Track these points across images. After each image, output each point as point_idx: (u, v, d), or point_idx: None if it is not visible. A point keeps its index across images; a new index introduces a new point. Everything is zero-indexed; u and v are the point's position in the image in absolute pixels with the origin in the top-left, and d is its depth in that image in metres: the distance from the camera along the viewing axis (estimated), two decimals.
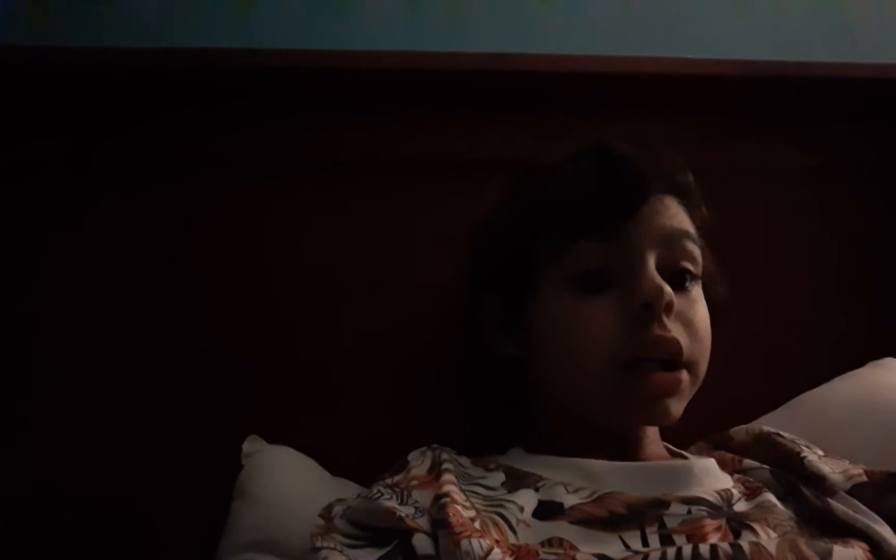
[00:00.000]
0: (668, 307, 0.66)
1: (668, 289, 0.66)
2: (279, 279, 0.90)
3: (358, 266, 0.91)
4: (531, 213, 0.74)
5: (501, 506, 0.65)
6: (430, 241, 0.91)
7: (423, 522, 0.62)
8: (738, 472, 0.72)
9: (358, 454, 0.84)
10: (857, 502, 0.66)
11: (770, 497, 0.67)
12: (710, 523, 0.62)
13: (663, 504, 0.63)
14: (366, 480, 0.74)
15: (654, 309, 0.66)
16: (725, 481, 0.69)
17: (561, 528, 0.62)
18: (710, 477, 0.68)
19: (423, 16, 1.02)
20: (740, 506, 0.66)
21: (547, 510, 0.64)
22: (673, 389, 0.67)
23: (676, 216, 0.72)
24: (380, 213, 0.92)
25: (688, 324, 0.69)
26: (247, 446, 0.84)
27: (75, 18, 0.96)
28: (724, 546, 0.57)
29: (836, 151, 1.00)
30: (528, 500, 0.65)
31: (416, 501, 0.64)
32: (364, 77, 0.90)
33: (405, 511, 0.63)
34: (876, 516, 0.65)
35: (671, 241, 0.70)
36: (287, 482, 0.80)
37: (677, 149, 0.76)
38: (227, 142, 0.91)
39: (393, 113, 0.92)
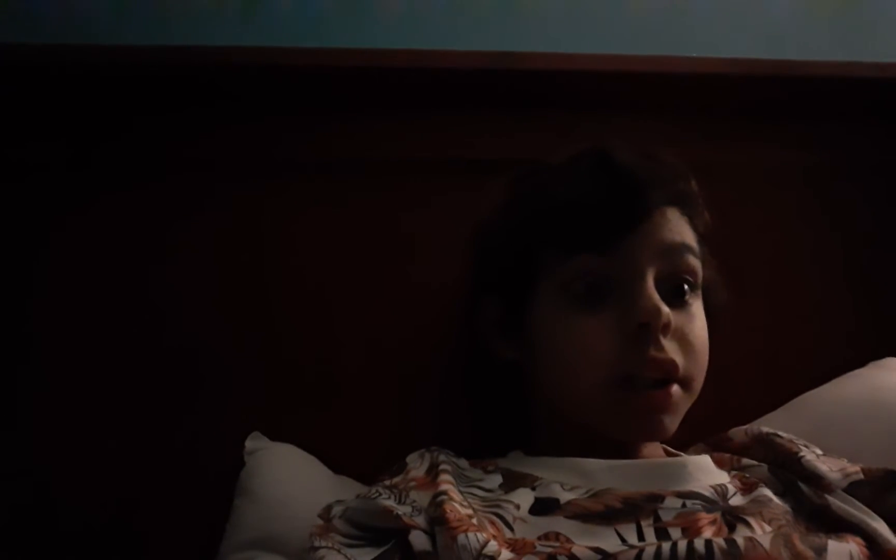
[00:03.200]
0: (665, 327, 0.67)
1: (665, 309, 0.66)
2: (278, 278, 0.90)
3: (358, 265, 0.91)
4: (531, 220, 0.74)
5: (498, 506, 0.65)
6: (430, 240, 0.91)
7: (420, 520, 0.62)
8: (735, 470, 0.73)
9: (358, 454, 0.84)
10: (854, 500, 0.66)
11: (766, 491, 0.67)
12: (704, 516, 0.62)
13: (658, 498, 0.64)
14: (367, 479, 0.75)
15: (650, 329, 0.66)
16: (721, 477, 0.69)
17: (557, 523, 0.62)
18: (705, 473, 0.69)
19: (423, 14, 1.02)
20: (736, 500, 0.66)
21: (543, 506, 0.64)
22: (665, 405, 0.67)
23: (678, 229, 0.71)
24: (379, 213, 0.92)
25: (684, 341, 0.69)
26: (249, 443, 0.84)
27: (75, 15, 0.97)
28: (720, 541, 0.57)
29: (836, 151, 1.00)
30: (524, 498, 0.65)
31: (414, 501, 0.64)
32: (363, 76, 0.90)
33: (402, 509, 0.63)
34: (873, 513, 0.65)
35: (671, 255, 0.70)
36: (289, 480, 0.80)
37: (678, 149, 0.76)
38: (226, 141, 0.91)
39: (392, 112, 0.92)
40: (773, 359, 0.94)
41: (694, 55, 0.96)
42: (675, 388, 0.68)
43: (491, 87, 0.93)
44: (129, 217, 0.89)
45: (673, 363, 0.67)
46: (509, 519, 0.63)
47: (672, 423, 0.69)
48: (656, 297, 0.67)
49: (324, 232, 0.91)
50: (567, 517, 0.63)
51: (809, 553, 0.58)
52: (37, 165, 0.88)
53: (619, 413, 0.68)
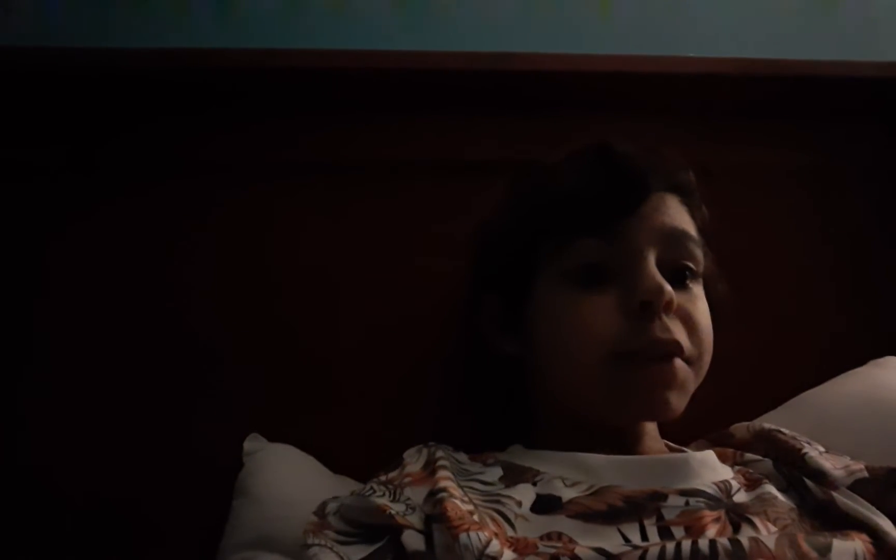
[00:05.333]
0: (668, 305, 0.66)
1: (668, 287, 0.66)
2: (280, 279, 0.90)
3: (358, 266, 0.91)
4: (532, 212, 0.74)
5: (499, 501, 0.64)
6: (430, 241, 0.91)
7: (414, 519, 0.62)
8: (739, 465, 0.72)
9: (358, 453, 0.83)
10: (858, 498, 0.66)
11: (770, 488, 0.67)
12: (708, 514, 0.62)
13: (661, 496, 0.63)
14: (366, 479, 0.74)
15: (653, 307, 0.66)
16: (725, 473, 0.69)
17: (559, 522, 0.62)
18: (708, 469, 0.68)
19: (423, 16, 1.02)
20: (740, 497, 0.65)
21: (545, 504, 0.64)
22: (670, 380, 0.66)
23: (677, 214, 0.72)
24: (380, 214, 0.92)
25: (688, 320, 0.69)
26: (248, 444, 0.84)
27: (78, 19, 0.97)
28: (724, 542, 0.57)
29: (836, 151, 1.00)
30: (525, 494, 0.65)
31: (409, 498, 0.64)
32: (364, 77, 0.90)
33: (396, 508, 0.62)
34: (878, 511, 0.65)
35: (672, 239, 0.70)
36: (288, 480, 0.80)
37: (678, 149, 0.76)
38: (227, 143, 0.91)
39: (393, 113, 0.92)
40: (772, 358, 0.94)
41: (694, 55, 0.96)
42: (680, 362, 0.67)
43: (491, 88, 0.93)
44: (131, 219, 0.89)
45: (677, 343, 0.66)
46: (510, 516, 0.63)
47: (678, 401, 0.68)
48: (659, 275, 0.67)
49: (324, 232, 0.91)
50: (569, 516, 0.62)
51: (814, 554, 0.58)
52: (40, 168, 0.89)
53: (620, 391, 0.67)
